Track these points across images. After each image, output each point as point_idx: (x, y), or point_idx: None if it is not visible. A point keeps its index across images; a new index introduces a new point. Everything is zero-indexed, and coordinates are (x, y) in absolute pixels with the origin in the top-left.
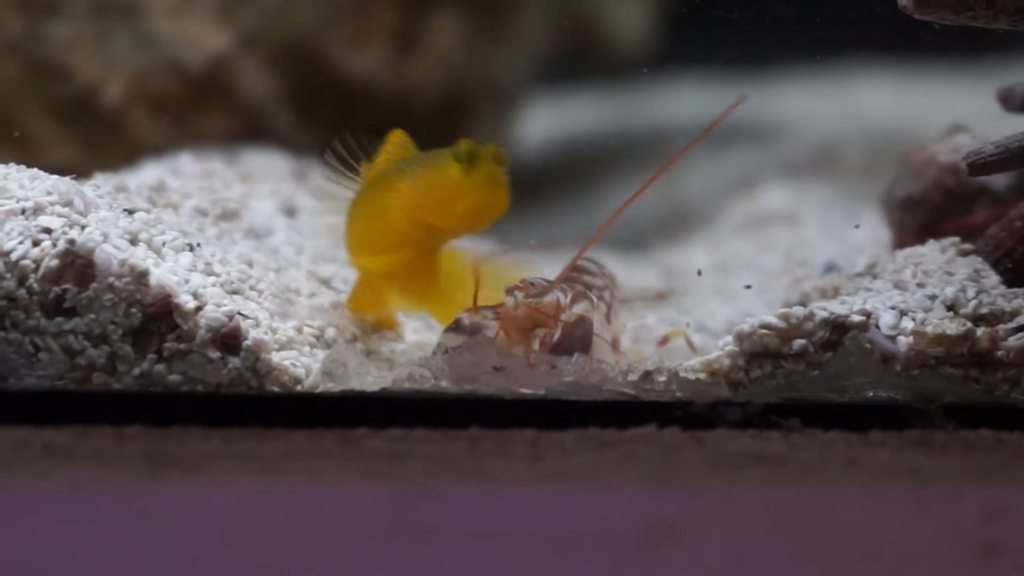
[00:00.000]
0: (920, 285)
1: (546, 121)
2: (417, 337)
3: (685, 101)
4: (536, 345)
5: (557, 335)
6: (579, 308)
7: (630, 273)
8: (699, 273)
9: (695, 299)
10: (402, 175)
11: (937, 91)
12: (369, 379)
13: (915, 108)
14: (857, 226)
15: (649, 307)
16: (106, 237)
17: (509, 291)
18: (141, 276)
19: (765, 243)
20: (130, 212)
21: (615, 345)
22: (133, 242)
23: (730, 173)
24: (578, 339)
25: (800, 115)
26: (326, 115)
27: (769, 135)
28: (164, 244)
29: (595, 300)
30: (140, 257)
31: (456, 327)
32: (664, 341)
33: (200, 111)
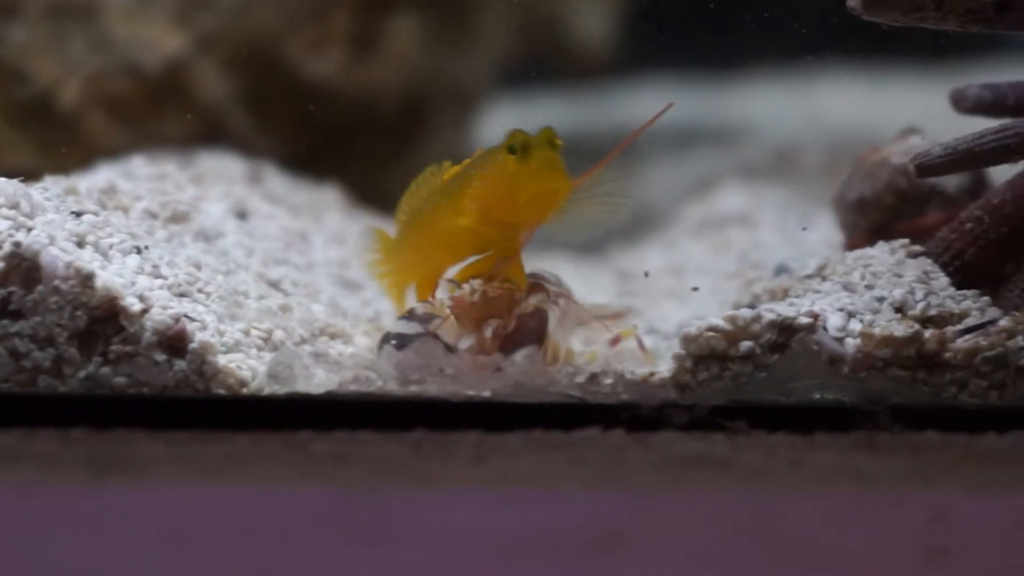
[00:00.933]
0: (869, 287)
1: (509, 124)
2: (367, 340)
3: (649, 104)
4: (489, 334)
5: (512, 325)
6: (535, 300)
7: (584, 275)
8: (646, 275)
9: (649, 301)
10: (467, 180)
11: (899, 94)
12: (315, 382)
13: (876, 111)
14: (805, 228)
15: (607, 327)
16: (52, 240)
17: (464, 281)
18: (87, 279)
19: (720, 245)
20: (78, 215)
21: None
22: (80, 245)
23: (689, 175)
24: (532, 330)
25: (762, 118)
26: (284, 118)
27: (730, 137)
28: (111, 247)
29: (551, 292)
30: (86, 260)
31: (409, 316)
32: (615, 342)
33: (157, 113)
